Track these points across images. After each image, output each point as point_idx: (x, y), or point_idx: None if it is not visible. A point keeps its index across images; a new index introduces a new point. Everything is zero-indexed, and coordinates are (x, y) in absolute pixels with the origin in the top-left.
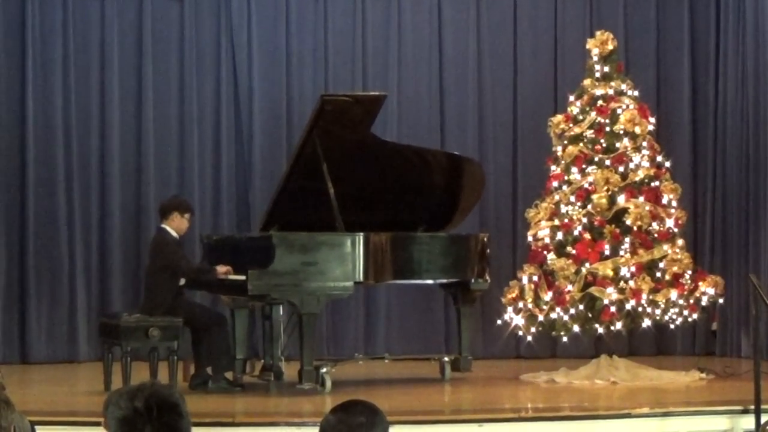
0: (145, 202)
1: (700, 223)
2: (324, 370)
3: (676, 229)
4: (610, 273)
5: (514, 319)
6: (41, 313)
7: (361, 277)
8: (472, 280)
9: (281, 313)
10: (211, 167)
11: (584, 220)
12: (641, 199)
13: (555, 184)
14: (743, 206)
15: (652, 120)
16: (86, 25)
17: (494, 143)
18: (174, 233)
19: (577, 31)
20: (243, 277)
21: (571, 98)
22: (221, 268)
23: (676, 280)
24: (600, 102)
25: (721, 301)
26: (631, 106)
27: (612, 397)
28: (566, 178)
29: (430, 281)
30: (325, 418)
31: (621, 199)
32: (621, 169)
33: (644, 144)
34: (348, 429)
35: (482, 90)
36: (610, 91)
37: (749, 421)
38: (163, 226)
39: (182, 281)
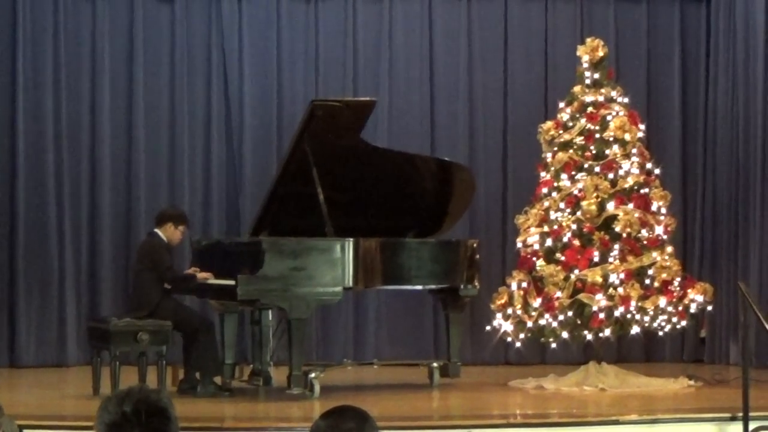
0: (135, 206)
1: (689, 230)
2: (313, 375)
3: (665, 236)
4: (599, 280)
5: (503, 325)
6: (30, 317)
7: (350, 282)
8: (462, 286)
9: (270, 318)
10: (202, 172)
11: (573, 226)
12: (631, 206)
13: (545, 190)
14: (732, 214)
15: (642, 127)
16: (77, 28)
17: (484, 149)
18: (165, 239)
19: (567, 37)
20: (232, 282)
21: (561, 105)
22: (201, 274)
23: (665, 287)
24: (590, 109)
25: (709, 308)
26: (621, 113)
27: (601, 404)
28: (556, 184)
29: (419, 287)
30: (315, 423)
31: (610, 206)
32: (611, 176)
33: (634, 151)
34: None
35: (472, 96)
36: (600, 98)
37: (737, 428)
38: (156, 230)
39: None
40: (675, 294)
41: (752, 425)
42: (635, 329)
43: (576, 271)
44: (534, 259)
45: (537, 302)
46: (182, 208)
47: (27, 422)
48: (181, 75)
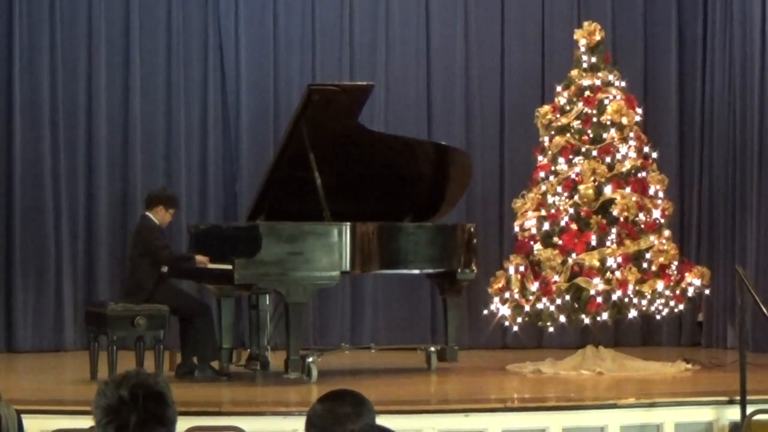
0: (132, 191)
1: (686, 214)
2: (310, 359)
3: (662, 220)
4: (597, 264)
5: (501, 309)
6: (28, 302)
7: (347, 266)
8: (459, 270)
9: (268, 302)
10: (198, 156)
11: (571, 210)
12: (628, 189)
13: (542, 174)
14: (729, 197)
15: (639, 111)
16: (73, 13)
17: (481, 133)
18: (157, 222)
19: (564, 21)
20: (229, 266)
21: (558, 89)
22: (200, 258)
23: (662, 271)
24: (587, 92)
25: (707, 292)
26: (618, 97)
27: (598, 388)
28: (553, 168)
29: (416, 271)
30: (312, 407)
31: (608, 190)
32: (608, 159)
33: (631, 135)
34: (335, 418)
35: (470, 80)
36: (598, 82)
37: (735, 411)
38: (147, 214)
39: (164, 268)
40: (672, 278)
41: (750, 409)
42: (632, 313)
43: (573, 255)
44: (531, 243)
45: (534, 286)
46: (173, 191)
47: (24, 407)
48: (177, 61)
